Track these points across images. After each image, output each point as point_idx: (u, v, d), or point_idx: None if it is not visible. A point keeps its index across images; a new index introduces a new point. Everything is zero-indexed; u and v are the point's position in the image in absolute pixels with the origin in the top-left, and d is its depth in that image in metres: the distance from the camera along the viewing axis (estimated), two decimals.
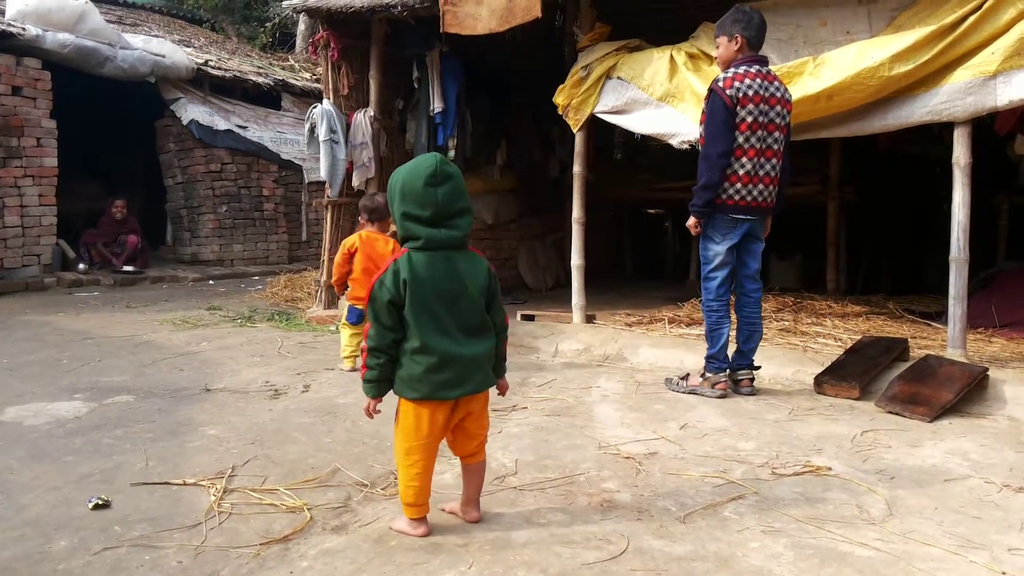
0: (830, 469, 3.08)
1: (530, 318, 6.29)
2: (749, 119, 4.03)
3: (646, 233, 11.37)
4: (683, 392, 4.33)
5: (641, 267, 10.61)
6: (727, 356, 4.30)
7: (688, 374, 4.45)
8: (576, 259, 6.00)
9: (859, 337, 5.00)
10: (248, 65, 12.82)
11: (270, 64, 13.71)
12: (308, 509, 2.66)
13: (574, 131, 5.93)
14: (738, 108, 4.02)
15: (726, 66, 4.19)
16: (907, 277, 8.40)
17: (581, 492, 2.84)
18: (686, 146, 5.28)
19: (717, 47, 4.27)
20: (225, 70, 11.76)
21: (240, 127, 11.51)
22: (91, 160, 11.85)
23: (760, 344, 4.43)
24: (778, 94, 4.13)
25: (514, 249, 8.65)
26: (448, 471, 3.00)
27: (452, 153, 7.37)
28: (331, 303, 7.07)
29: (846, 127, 4.88)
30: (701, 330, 5.05)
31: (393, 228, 4.08)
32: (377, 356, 2.39)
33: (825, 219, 7.78)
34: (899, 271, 8.66)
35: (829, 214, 7.76)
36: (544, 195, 9.09)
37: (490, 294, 2.47)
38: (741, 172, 4.09)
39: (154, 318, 6.95)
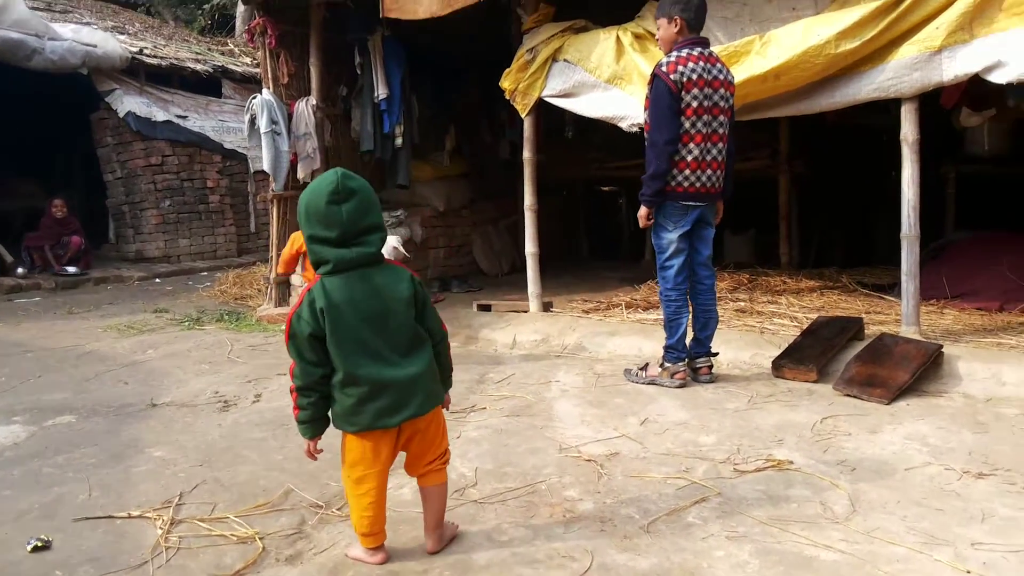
0: (792, 463, 3.06)
1: (486, 308, 6.21)
2: (695, 104, 3.96)
3: (600, 211, 11.31)
4: (643, 383, 4.29)
5: (596, 247, 10.55)
6: (685, 345, 4.26)
7: (647, 364, 4.40)
8: (530, 247, 5.91)
9: (815, 316, 5.01)
10: (186, 51, 12.41)
11: (208, 49, 13.30)
12: (260, 538, 2.56)
13: (522, 116, 5.81)
14: (683, 93, 3.94)
15: (668, 48, 4.11)
16: (858, 248, 8.47)
17: (543, 503, 2.78)
18: (635, 129, 5.20)
19: (658, 28, 4.19)
20: (162, 58, 11.38)
21: (180, 117, 11.15)
22: (25, 157, 11.42)
23: (717, 327, 4.40)
24: (721, 76, 4.06)
25: (467, 235, 8.52)
26: (407, 485, 2.91)
27: (400, 140, 7.19)
28: (282, 300, 6.90)
29: (794, 106, 4.84)
30: (658, 314, 5.02)
31: None
32: (307, 395, 2.26)
33: (777, 193, 7.80)
34: (850, 242, 8.73)
35: (780, 188, 7.77)
36: (496, 179, 8.96)
37: (419, 303, 2.32)
38: (689, 159, 4.02)
39: (98, 324, 6.72)
